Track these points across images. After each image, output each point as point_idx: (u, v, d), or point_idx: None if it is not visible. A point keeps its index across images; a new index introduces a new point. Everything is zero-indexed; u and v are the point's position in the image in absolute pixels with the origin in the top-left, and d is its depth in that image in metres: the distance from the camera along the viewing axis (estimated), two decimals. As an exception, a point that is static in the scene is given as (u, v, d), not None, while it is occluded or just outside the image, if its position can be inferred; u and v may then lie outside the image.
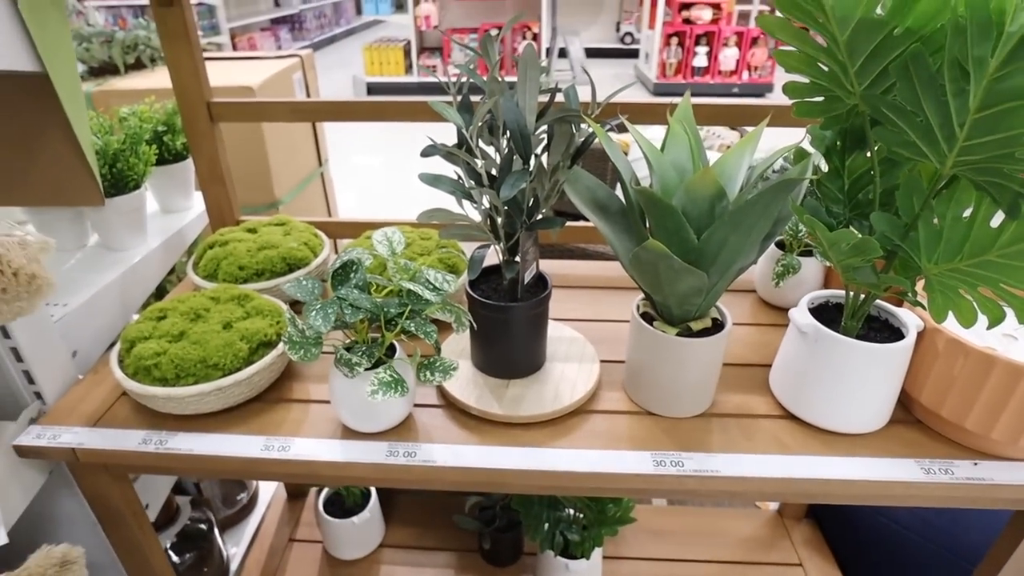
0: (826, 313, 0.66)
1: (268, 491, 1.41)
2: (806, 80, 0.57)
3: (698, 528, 1.20)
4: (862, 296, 0.59)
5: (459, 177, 0.65)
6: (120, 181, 0.90)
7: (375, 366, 0.61)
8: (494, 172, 0.62)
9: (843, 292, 0.63)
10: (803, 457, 0.60)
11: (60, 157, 0.82)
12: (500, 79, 0.57)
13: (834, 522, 1.15)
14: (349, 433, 0.67)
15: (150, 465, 0.68)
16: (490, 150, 0.63)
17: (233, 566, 1.24)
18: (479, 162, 0.58)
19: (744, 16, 5.67)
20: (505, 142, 0.60)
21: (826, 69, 0.54)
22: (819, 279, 0.84)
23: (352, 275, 0.60)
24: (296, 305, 0.88)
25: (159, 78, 1.76)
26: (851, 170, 0.59)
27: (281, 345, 0.71)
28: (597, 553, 1.04)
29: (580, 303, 0.89)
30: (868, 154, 0.56)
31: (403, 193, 3.55)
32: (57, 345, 0.76)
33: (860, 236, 0.49)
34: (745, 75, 5.45)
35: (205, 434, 0.68)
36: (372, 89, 5.89)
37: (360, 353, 0.59)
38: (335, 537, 1.18)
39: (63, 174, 0.83)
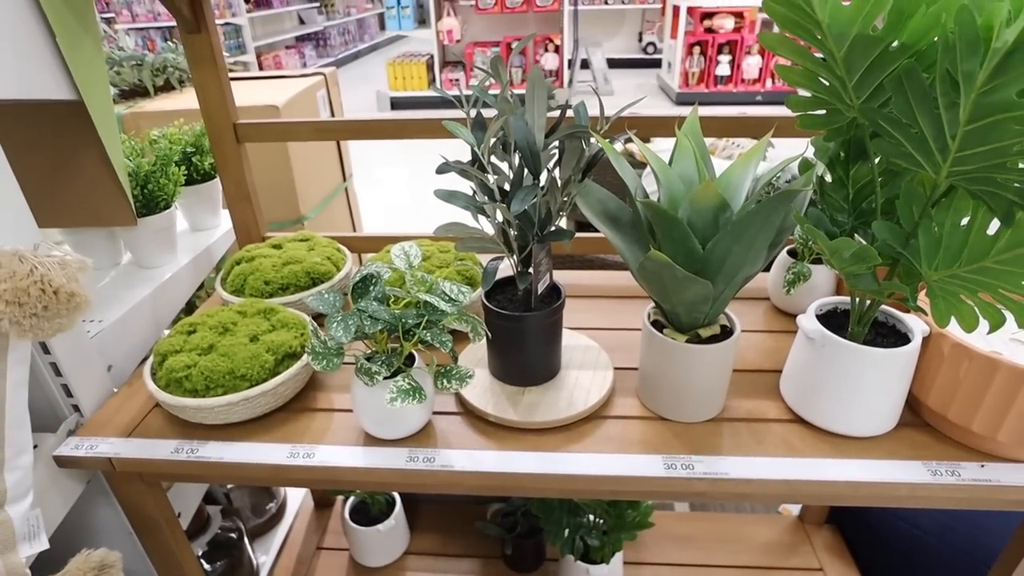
0: (835, 319, 0.67)
1: (296, 501, 1.45)
2: (808, 94, 0.58)
3: (719, 534, 1.20)
4: (867, 302, 0.60)
5: (474, 192, 0.67)
6: (151, 201, 0.95)
7: (394, 375, 0.64)
8: (506, 187, 0.64)
9: (848, 299, 0.64)
10: (811, 460, 0.61)
11: (95, 179, 0.86)
12: (510, 98, 0.59)
13: (855, 527, 1.15)
14: (371, 440, 0.69)
15: (182, 473, 0.72)
16: (504, 166, 0.66)
17: (263, 574, 1.27)
18: (491, 178, 0.61)
19: (767, 24, 5.64)
20: (517, 158, 0.63)
21: (826, 83, 0.55)
22: (831, 286, 0.84)
23: (371, 288, 0.63)
24: (320, 318, 0.91)
25: (187, 99, 1.82)
26: (855, 180, 0.61)
27: (305, 356, 0.74)
28: (618, 558, 1.05)
29: (595, 312, 0.91)
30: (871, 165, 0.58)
31: (428, 206, 3.59)
32: (93, 360, 0.80)
33: (860, 244, 0.51)
34: (769, 83, 5.42)
35: (234, 443, 0.71)
36: (396, 104, 5.98)
37: (379, 363, 0.62)
38: (361, 545, 1.21)
39: (98, 196, 0.88)
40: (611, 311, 0.91)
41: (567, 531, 1.03)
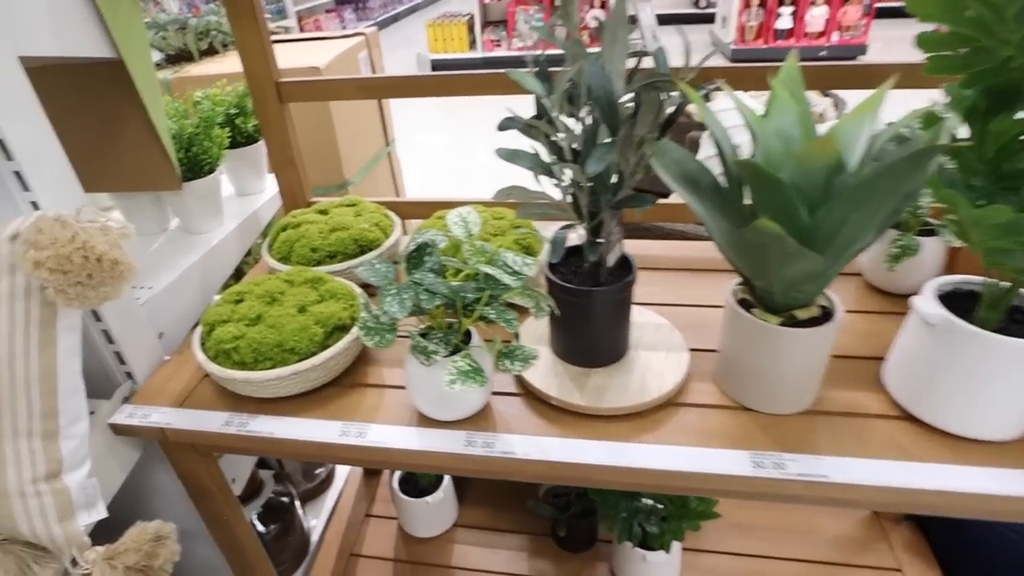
0: (955, 301, 0.58)
1: (345, 467, 1.44)
2: (945, 29, 0.49)
3: (785, 523, 1.13)
4: (1007, 285, 0.51)
5: (536, 152, 0.60)
6: (196, 165, 0.91)
7: (452, 353, 0.59)
8: (575, 146, 0.57)
9: (976, 278, 0.55)
10: (928, 465, 0.53)
11: (138, 143, 0.83)
12: (582, 43, 0.52)
13: (938, 526, 1.05)
14: (425, 420, 0.65)
15: (233, 446, 0.70)
16: (569, 122, 0.59)
17: (313, 538, 1.28)
18: (561, 135, 0.54)
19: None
20: (588, 112, 0.55)
21: (973, 15, 0.46)
22: (940, 262, 0.74)
23: (426, 258, 0.57)
24: (369, 287, 0.87)
25: (231, 63, 1.80)
26: (997, 135, 0.51)
27: (355, 329, 0.70)
28: (676, 545, 1.00)
29: (664, 286, 0.83)
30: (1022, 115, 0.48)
31: (469, 171, 3.54)
32: (144, 327, 0.78)
33: (1016, 214, 0.42)
34: (835, 36, 5.02)
35: (284, 417, 0.68)
36: (436, 66, 5.85)
37: (436, 340, 0.57)
38: (410, 515, 1.19)
39: (141, 159, 0.84)
40: (681, 285, 0.84)
41: (624, 516, 0.98)
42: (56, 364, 0.60)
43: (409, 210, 1.01)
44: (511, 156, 0.55)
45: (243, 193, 1.11)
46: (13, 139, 0.60)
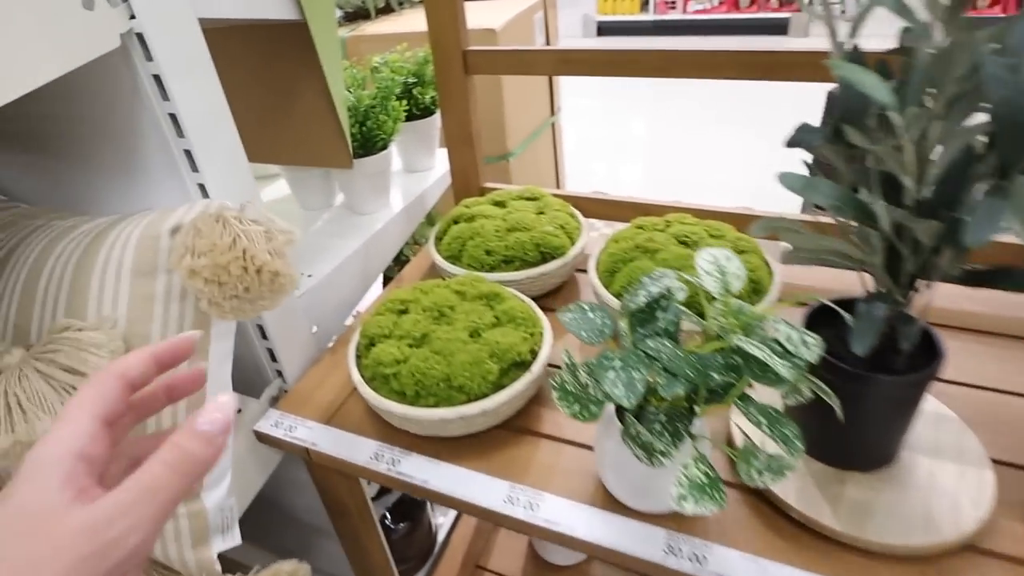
0: None
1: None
2: None
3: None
4: None
5: (813, 172, 0.42)
6: (368, 140, 0.82)
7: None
8: (918, 187, 0.38)
9: None
10: None
11: (313, 115, 0.75)
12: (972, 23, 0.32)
13: None
14: (613, 503, 0.51)
15: (380, 481, 0.61)
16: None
17: (440, 536, 1.22)
18: (905, 167, 0.35)
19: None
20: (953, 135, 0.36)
21: None
22: None
23: (659, 314, 0.42)
24: (543, 299, 0.74)
25: (406, 21, 1.73)
26: None
27: (531, 370, 0.57)
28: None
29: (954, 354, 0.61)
30: None
31: (623, 141, 3.31)
32: (300, 323, 0.71)
33: None
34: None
35: (441, 463, 0.57)
36: (603, 29, 5.54)
37: (658, 428, 0.42)
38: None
39: (314, 134, 0.76)
40: (981, 355, 0.60)
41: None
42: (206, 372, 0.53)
43: (595, 208, 0.85)
44: (806, 187, 0.37)
45: (411, 170, 1.02)
46: (187, 115, 0.52)
